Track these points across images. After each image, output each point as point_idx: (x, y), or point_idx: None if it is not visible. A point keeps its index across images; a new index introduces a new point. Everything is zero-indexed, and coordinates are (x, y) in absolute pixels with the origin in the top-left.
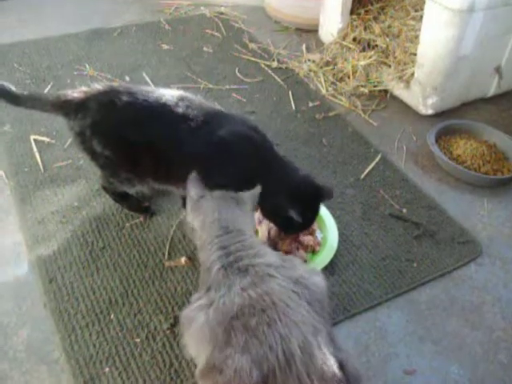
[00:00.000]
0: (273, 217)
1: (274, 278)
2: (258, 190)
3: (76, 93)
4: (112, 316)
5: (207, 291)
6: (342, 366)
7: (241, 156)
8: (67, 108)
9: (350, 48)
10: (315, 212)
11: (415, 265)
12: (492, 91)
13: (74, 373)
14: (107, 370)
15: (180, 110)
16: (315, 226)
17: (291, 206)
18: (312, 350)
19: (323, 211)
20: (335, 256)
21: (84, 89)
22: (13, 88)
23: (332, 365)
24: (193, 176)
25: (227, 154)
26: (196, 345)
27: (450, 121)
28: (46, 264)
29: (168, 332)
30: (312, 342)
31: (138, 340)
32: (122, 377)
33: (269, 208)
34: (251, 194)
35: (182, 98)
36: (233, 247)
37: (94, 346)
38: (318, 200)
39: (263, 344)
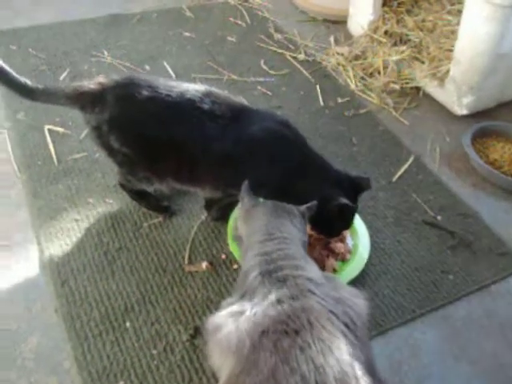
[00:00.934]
0: (315, 216)
1: (313, 295)
2: (314, 204)
3: (93, 84)
4: (128, 324)
5: (241, 298)
6: None
7: (274, 155)
8: (83, 101)
9: (381, 42)
10: (356, 207)
11: (451, 277)
12: None
13: None
14: (122, 383)
15: (206, 106)
16: (346, 232)
17: (339, 195)
18: (349, 381)
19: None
20: (366, 265)
21: (101, 80)
22: (28, 82)
23: None
24: (245, 184)
25: (259, 154)
26: (220, 355)
27: (487, 122)
28: (58, 265)
29: (187, 344)
30: (349, 373)
31: (155, 352)
32: None
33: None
34: (307, 208)
35: (207, 93)
36: (275, 255)
37: (108, 356)
38: (358, 192)
39: (295, 373)
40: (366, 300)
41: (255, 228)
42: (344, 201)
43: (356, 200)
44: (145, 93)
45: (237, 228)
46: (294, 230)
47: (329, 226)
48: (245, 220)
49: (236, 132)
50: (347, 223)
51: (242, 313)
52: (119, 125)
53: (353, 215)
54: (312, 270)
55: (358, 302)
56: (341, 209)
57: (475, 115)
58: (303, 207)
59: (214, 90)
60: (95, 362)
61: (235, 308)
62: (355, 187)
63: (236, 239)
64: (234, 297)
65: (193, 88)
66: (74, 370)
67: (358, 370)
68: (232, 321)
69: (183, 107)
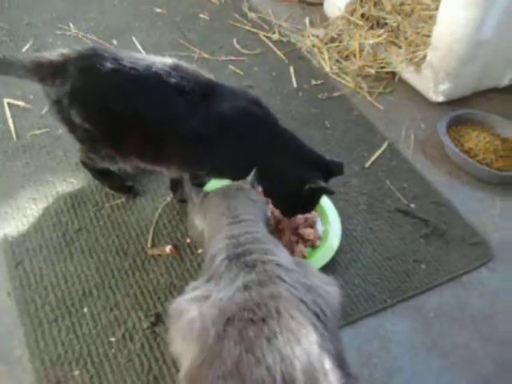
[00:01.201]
0: (282, 197)
1: (282, 282)
2: (253, 172)
3: (54, 55)
4: (85, 310)
5: (206, 282)
6: None
7: (243, 134)
8: (43, 72)
9: (357, 25)
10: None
11: (423, 266)
12: (506, 81)
13: (38, 375)
14: (77, 372)
15: (173, 80)
16: (316, 218)
17: (314, 177)
18: (317, 377)
19: (325, 201)
20: (337, 252)
21: (63, 51)
22: None
23: None
24: (186, 179)
25: (228, 133)
26: (182, 341)
27: (462, 110)
28: (12, 246)
29: (148, 331)
30: (317, 366)
31: (113, 339)
32: (94, 382)
33: (280, 187)
34: (250, 180)
35: (175, 67)
36: (242, 238)
37: (63, 344)
38: (330, 176)
39: (260, 363)
40: (339, 288)
41: (217, 215)
42: (322, 184)
43: (327, 184)
44: (109, 65)
45: (194, 227)
46: (254, 208)
47: (292, 207)
48: (201, 214)
49: (204, 110)
50: (312, 206)
51: (206, 298)
52: (81, 98)
53: (320, 199)
54: (282, 255)
55: (330, 290)
56: (313, 192)
57: (451, 103)
58: (249, 178)
59: (183, 63)
60: (49, 349)
61: (200, 292)
62: (327, 171)
63: (198, 242)
64: (199, 281)
65: (160, 61)
66: (26, 357)
67: (327, 364)
68: (196, 306)
69: (149, 81)
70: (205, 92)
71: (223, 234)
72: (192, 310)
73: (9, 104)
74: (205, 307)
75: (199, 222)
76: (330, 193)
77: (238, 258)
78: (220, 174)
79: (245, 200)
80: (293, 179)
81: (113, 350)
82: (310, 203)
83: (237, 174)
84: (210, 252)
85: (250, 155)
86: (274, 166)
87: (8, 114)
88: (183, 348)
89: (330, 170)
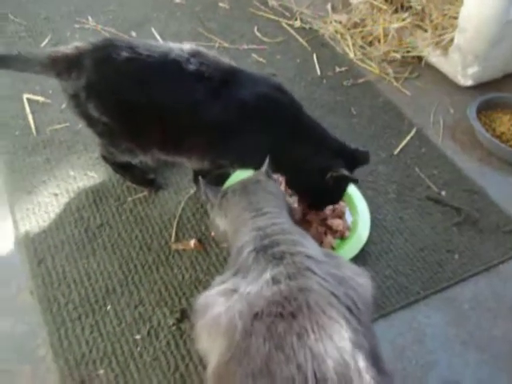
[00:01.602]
0: (306, 187)
1: (313, 274)
2: (267, 161)
3: (69, 49)
4: (109, 307)
5: (233, 275)
6: None
7: (266, 121)
8: (59, 67)
9: (381, 9)
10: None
11: (456, 257)
12: None
13: (63, 374)
14: (102, 371)
15: (192, 66)
16: (345, 208)
17: (339, 165)
18: (350, 375)
19: (353, 191)
20: (366, 243)
21: (78, 44)
22: None
23: None
24: (202, 181)
25: (251, 120)
26: (208, 337)
27: (493, 94)
28: (34, 243)
29: (173, 328)
30: (350, 363)
31: (138, 337)
32: (119, 381)
33: (303, 176)
34: (265, 170)
35: (194, 54)
36: (269, 229)
37: (87, 342)
38: (355, 165)
39: (290, 361)
40: (371, 279)
41: (239, 211)
42: (344, 172)
43: (352, 173)
44: (124, 54)
45: (216, 227)
46: (275, 200)
47: (318, 198)
48: (222, 214)
49: (226, 97)
50: (339, 197)
51: (234, 291)
52: (97, 91)
53: (345, 189)
54: (311, 246)
55: (362, 281)
56: (337, 181)
57: (480, 86)
58: (264, 169)
59: (202, 49)
60: (73, 348)
61: (227, 286)
62: (353, 160)
63: (221, 240)
64: (226, 274)
65: (177, 47)
66: (50, 357)
67: (361, 361)
68: (223, 300)
69: (167, 69)
70: (225, 78)
71: (248, 226)
72: (218, 305)
73: (28, 99)
74: (232, 301)
75: (220, 222)
76: (353, 181)
77: (266, 249)
78: (243, 164)
79: (264, 193)
80: (315, 167)
81: (138, 348)
82: (335, 193)
83: (260, 164)
84: (236, 245)
85: (274, 143)
86: (297, 154)
87: (28, 109)
88: (210, 344)
89: (356, 159)
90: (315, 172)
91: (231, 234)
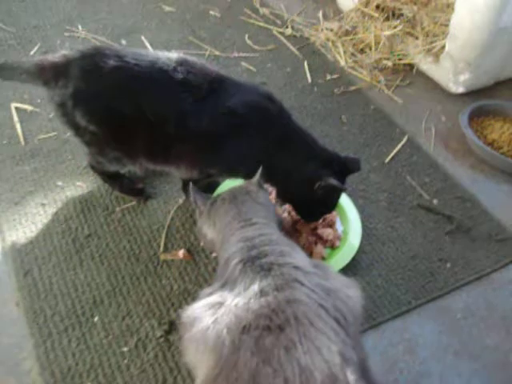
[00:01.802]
0: (297, 197)
1: (301, 286)
2: (259, 171)
3: (56, 57)
4: (96, 319)
5: (221, 288)
6: None
7: (255, 131)
8: (46, 75)
9: (372, 16)
10: (345, 189)
11: (449, 265)
12: None
13: None
14: None
15: (179, 75)
16: (335, 217)
17: (327, 175)
18: None
19: (344, 200)
20: (357, 252)
21: (65, 52)
22: None
23: None
24: (192, 187)
25: (238, 129)
26: (196, 351)
27: (484, 101)
28: (21, 254)
29: (161, 340)
30: (339, 376)
31: (125, 349)
32: None
33: (292, 187)
34: (257, 180)
35: (181, 62)
36: (257, 240)
37: (74, 355)
38: (346, 173)
39: (277, 375)
40: (360, 291)
41: (227, 220)
42: (332, 181)
43: (344, 182)
44: (111, 63)
45: (204, 236)
46: (265, 211)
47: (310, 209)
48: (210, 222)
49: (213, 105)
50: (331, 207)
51: (221, 304)
52: (84, 99)
53: (338, 199)
54: (299, 256)
55: (352, 293)
56: (327, 190)
57: (472, 94)
58: (255, 179)
59: (189, 58)
60: (59, 361)
61: (214, 299)
62: (343, 168)
63: (209, 248)
64: (213, 286)
65: (165, 56)
66: (36, 370)
67: (350, 374)
68: (210, 313)
69: (154, 77)
70: (213, 87)
71: (236, 236)
72: (206, 318)
73: (16, 108)
74: (219, 314)
75: (208, 230)
76: (341, 190)
77: (253, 260)
78: (232, 173)
79: (253, 204)
80: (303, 177)
81: (125, 361)
82: (326, 203)
83: (249, 173)
84: (223, 256)
85: (263, 153)
86: (286, 164)
87: (16, 118)
88: (197, 358)
89: (347, 166)
90: (304, 182)
91: (219, 243)
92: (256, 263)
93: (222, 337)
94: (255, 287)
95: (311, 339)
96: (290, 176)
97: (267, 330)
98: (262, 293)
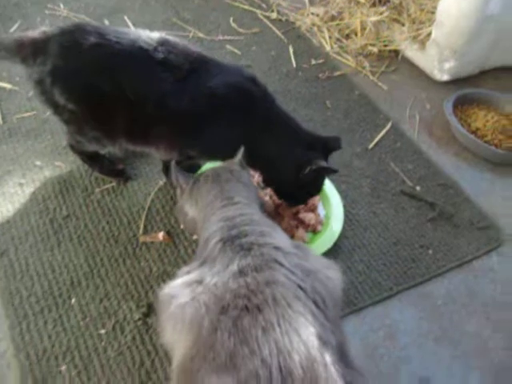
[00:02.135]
0: (283, 182)
1: (280, 267)
2: (241, 151)
3: (35, 33)
4: (73, 301)
5: (200, 266)
6: None
7: (237, 113)
8: (24, 52)
9: (358, 2)
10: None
11: (430, 252)
12: None
13: (23, 370)
14: (64, 367)
15: (160, 55)
16: (318, 201)
17: (317, 158)
18: (317, 370)
19: (326, 185)
20: (339, 238)
21: (45, 29)
22: None
23: None
24: (174, 165)
25: (220, 111)
26: (173, 329)
27: (469, 89)
28: None
29: (139, 323)
30: (317, 358)
31: (102, 331)
32: (82, 377)
33: (279, 171)
34: (239, 160)
35: (162, 42)
36: (238, 219)
37: (50, 337)
38: (328, 153)
39: (254, 355)
40: (340, 272)
41: (209, 199)
42: (323, 164)
43: (327, 162)
44: (92, 40)
45: (184, 214)
46: (247, 191)
47: (296, 193)
48: (192, 200)
49: (194, 86)
50: (318, 189)
51: (199, 283)
52: (63, 76)
53: (324, 181)
54: (279, 237)
55: (332, 274)
56: (317, 173)
57: (457, 82)
58: (237, 159)
59: (171, 38)
60: (35, 342)
61: (192, 277)
62: (325, 148)
63: (188, 229)
64: (192, 265)
65: (146, 35)
66: (11, 352)
67: (328, 356)
68: (188, 291)
69: (134, 56)
70: (194, 67)
71: (217, 215)
72: (184, 295)
73: None
74: (197, 292)
75: (189, 209)
76: (332, 172)
77: (233, 240)
78: (212, 156)
79: (236, 183)
80: (292, 162)
81: (102, 343)
82: (314, 186)
83: (229, 156)
84: (203, 235)
85: (245, 136)
86: (271, 149)
87: None
88: (174, 337)
89: (327, 146)
90: (292, 167)
91: (200, 222)
92: (236, 243)
93: (199, 316)
94: (234, 267)
95: (289, 321)
96: (276, 161)
97: (245, 310)
98: (240, 273)
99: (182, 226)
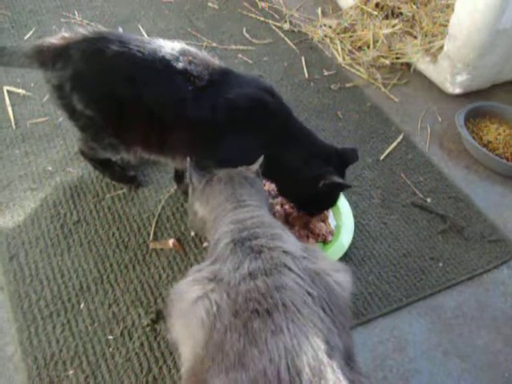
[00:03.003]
0: (298, 194)
1: (289, 271)
2: (260, 160)
3: (56, 39)
4: (82, 305)
5: (211, 265)
6: None
7: (255, 124)
8: (44, 56)
9: (371, 14)
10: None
11: (441, 264)
12: None
13: (31, 374)
14: (71, 372)
15: (181, 65)
16: (328, 212)
17: (328, 172)
18: (324, 372)
19: None
20: (349, 248)
21: (65, 34)
22: None
23: None
24: (189, 162)
25: (239, 122)
26: (182, 326)
27: (481, 102)
28: (7, 238)
29: (148, 329)
30: (325, 361)
31: (111, 337)
32: (89, 382)
33: (294, 184)
34: (256, 169)
35: (183, 52)
36: (249, 222)
37: (58, 341)
38: (345, 165)
39: (263, 355)
40: (350, 274)
41: (221, 200)
42: (336, 179)
43: (344, 174)
44: (114, 48)
45: (194, 213)
46: (260, 196)
47: (313, 204)
48: (203, 200)
49: (214, 97)
50: (333, 201)
51: (211, 280)
52: (83, 82)
53: (339, 194)
54: (290, 240)
55: (341, 278)
56: (331, 187)
57: (468, 95)
58: (255, 166)
59: (192, 49)
60: (43, 347)
61: (203, 274)
62: (342, 161)
63: (195, 228)
64: (203, 264)
65: (168, 45)
66: (18, 356)
67: (335, 360)
68: (199, 288)
69: (155, 65)
70: (214, 78)
71: (228, 218)
72: (194, 292)
73: (9, 92)
74: (209, 289)
75: (200, 208)
76: (346, 187)
77: (244, 242)
78: (228, 167)
79: (249, 188)
80: (307, 174)
81: (110, 349)
82: (328, 200)
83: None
84: (214, 237)
85: (262, 147)
86: (288, 160)
87: (7, 101)
88: (184, 333)
89: (345, 158)
90: (307, 180)
91: (210, 223)
92: (246, 244)
93: (211, 315)
94: (245, 269)
95: (298, 325)
96: (292, 173)
97: (255, 313)
98: (251, 275)
99: (192, 234)
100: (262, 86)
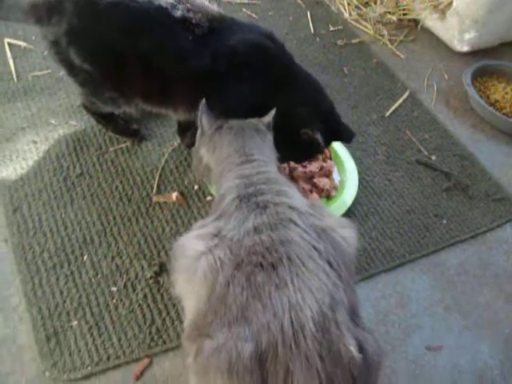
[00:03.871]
0: (283, 133)
1: (295, 226)
2: (273, 113)
3: None
4: (85, 258)
5: (215, 220)
6: (361, 349)
7: (256, 71)
8: (39, 12)
9: None
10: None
11: (444, 222)
12: None
13: (35, 324)
14: (75, 323)
15: (179, 13)
16: (333, 167)
17: (316, 127)
18: (328, 325)
19: (342, 151)
20: (353, 204)
21: None
22: None
23: (351, 348)
24: (203, 104)
25: (240, 69)
26: (185, 281)
27: (489, 61)
28: (10, 190)
29: (151, 281)
30: (329, 315)
31: (114, 289)
32: (93, 333)
33: (287, 127)
34: (268, 121)
35: (180, 0)
36: (255, 178)
37: (62, 292)
38: (336, 137)
39: (266, 309)
40: (356, 231)
41: (229, 152)
42: (316, 136)
43: (329, 142)
44: None
45: (199, 158)
46: (269, 150)
47: (292, 150)
48: (210, 146)
49: (214, 44)
50: (312, 154)
51: (215, 235)
52: (79, 36)
53: (318, 152)
54: (295, 196)
55: (346, 233)
56: (310, 140)
57: (476, 53)
58: (267, 119)
59: None
60: (47, 298)
61: (208, 230)
62: (337, 132)
63: (199, 173)
64: (207, 219)
65: None
66: (23, 306)
67: (340, 314)
68: (203, 243)
69: (152, 14)
70: (213, 25)
71: (234, 172)
72: (198, 246)
73: (9, 44)
74: (212, 244)
75: (206, 154)
76: (319, 146)
77: (249, 198)
78: (231, 115)
79: (259, 141)
80: (298, 117)
81: (114, 301)
82: (308, 150)
83: (248, 117)
84: (220, 192)
85: (263, 94)
86: (282, 104)
87: (9, 54)
88: (188, 288)
89: (340, 133)
90: (296, 122)
91: (215, 175)
92: (252, 200)
93: (214, 270)
94: (249, 224)
95: (302, 279)
96: (287, 112)
97: (259, 266)
98: (255, 230)
99: (195, 187)
100: (261, 32)
